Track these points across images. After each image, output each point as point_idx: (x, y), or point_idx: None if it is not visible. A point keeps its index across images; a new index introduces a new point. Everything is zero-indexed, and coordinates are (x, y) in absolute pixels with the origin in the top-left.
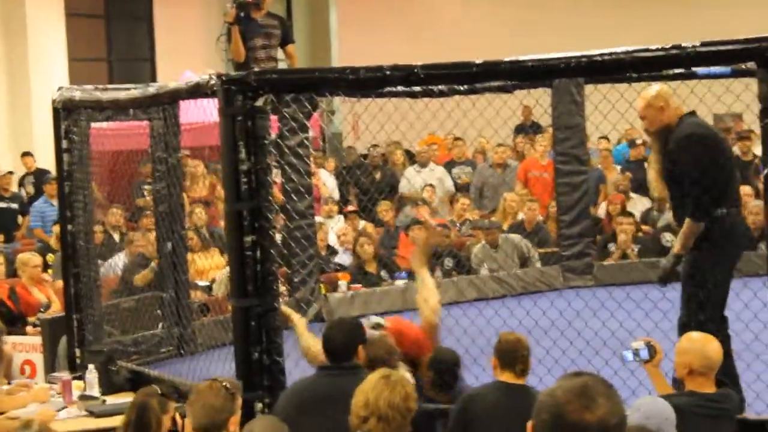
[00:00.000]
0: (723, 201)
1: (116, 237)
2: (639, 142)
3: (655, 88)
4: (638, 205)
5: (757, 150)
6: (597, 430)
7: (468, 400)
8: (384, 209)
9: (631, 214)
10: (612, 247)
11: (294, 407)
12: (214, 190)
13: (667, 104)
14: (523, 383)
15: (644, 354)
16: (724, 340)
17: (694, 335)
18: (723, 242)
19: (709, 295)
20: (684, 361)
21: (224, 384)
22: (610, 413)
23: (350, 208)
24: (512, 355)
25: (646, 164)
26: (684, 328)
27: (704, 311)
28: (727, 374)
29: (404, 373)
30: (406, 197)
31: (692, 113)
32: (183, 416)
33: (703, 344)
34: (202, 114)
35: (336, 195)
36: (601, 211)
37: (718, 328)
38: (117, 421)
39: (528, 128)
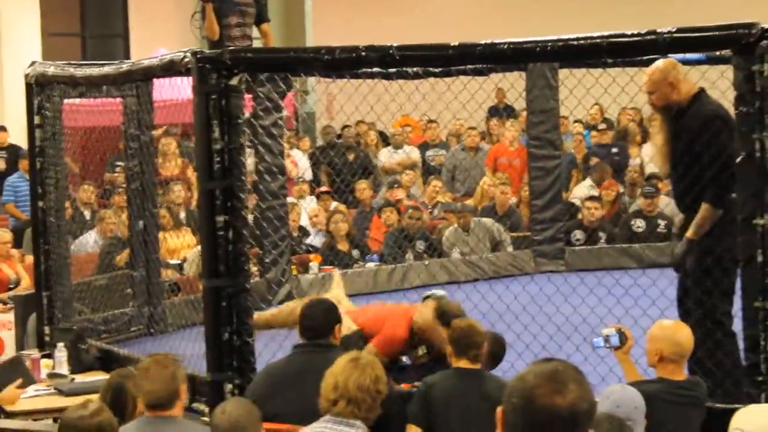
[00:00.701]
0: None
1: (87, 214)
2: (602, 127)
3: (664, 62)
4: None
5: None
6: (567, 415)
7: (427, 386)
8: (362, 188)
9: (598, 198)
10: (577, 234)
11: (268, 385)
12: (186, 170)
13: (677, 80)
14: (478, 368)
15: (615, 340)
16: (729, 335)
17: (666, 322)
18: (733, 228)
19: (717, 282)
20: (655, 348)
21: (166, 355)
22: (581, 398)
23: (323, 188)
24: (465, 341)
25: (614, 149)
26: (686, 314)
27: (712, 298)
28: (738, 366)
29: (372, 356)
30: (386, 169)
31: (703, 90)
32: None
33: (673, 331)
34: (174, 91)
35: (309, 175)
36: (577, 194)
37: (725, 317)
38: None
39: (501, 111)
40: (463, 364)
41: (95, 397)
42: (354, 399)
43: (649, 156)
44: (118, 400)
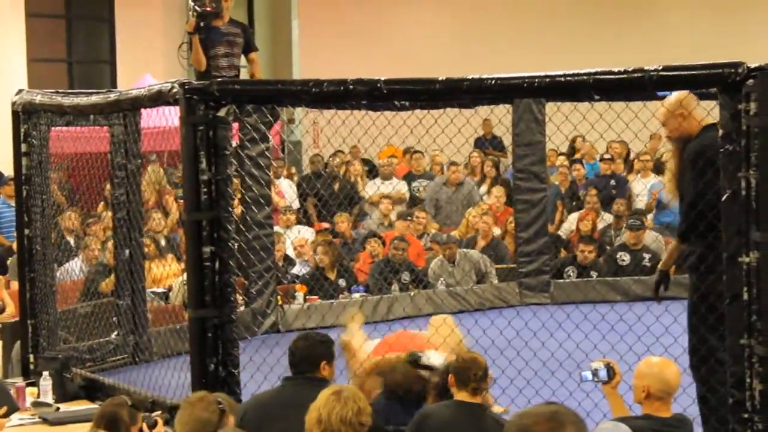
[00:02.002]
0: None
1: (72, 241)
2: (608, 157)
3: (677, 95)
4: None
5: None
6: None
7: (423, 416)
8: (341, 220)
9: (593, 240)
10: (570, 270)
11: (257, 415)
12: (161, 197)
13: (689, 112)
14: (478, 402)
15: (603, 375)
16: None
17: (653, 359)
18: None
19: (703, 319)
20: (642, 385)
21: (217, 399)
22: None
23: (324, 225)
24: (465, 374)
25: (612, 181)
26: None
27: (707, 301)
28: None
29: (356, 389)
30: (373, 201)
31: (713, 125)
32: (150, 427)
33: (661, 368)
34: (160, 119)
35: (296, 205)
36: (565, 228)
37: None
38: (71, 428)
39: (487, 142)
40: (463, 396)
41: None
42: None
43: (636, 190)
44: (113, 429)
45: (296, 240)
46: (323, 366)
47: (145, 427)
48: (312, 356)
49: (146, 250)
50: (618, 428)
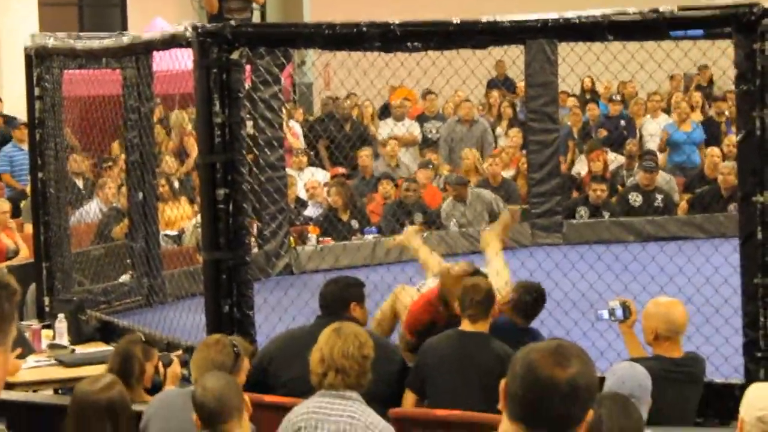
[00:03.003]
0: None
1: (80, 183)
2: (617, 98)
3: None
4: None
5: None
6: (565, 388)
7: (424, 350)
8: (364, 155)
9: (605, 179)
10: (582, 210)
11: (286, 348)
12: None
13: None
14: (481, 331)
15: (619, 314)
16: None
17: (661, 299)
18: None
19: None
20: (650, 326)
21: (233, 342)
22: (581, 374)
23: (340, 170)
24: (464, 300)
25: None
26: None
27: None
28: None
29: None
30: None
31: None
32: (165, 365)
33: (667, 308)
34: (173, 62)
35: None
36: (577, 168)
37: None
38: (86, 370)
39: (501, 83)
40: (465, 325)
41: (92, 369)
42: (342, 368)
43: (649, 131)
44: (126, 366)
45: (309, 182)
46: (353, 307)
47: (160, 365)
48: (342, 298)
49: (161, 190)
50: (634, 368)
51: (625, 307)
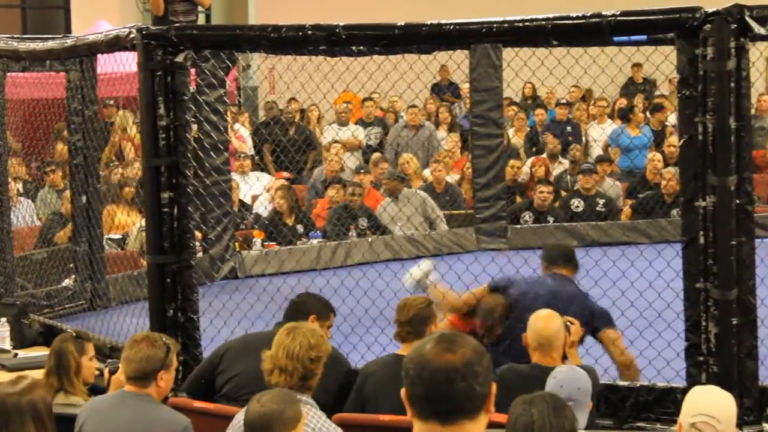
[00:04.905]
0: None
1: (18, 187)
2: (563, 102)
3: None
4: (558, 168)
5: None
6: (462, 367)
7: (364, 375)
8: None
9: (550, 183)
10: (526, 215)
11: (240, 349)
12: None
13: None
14: None
15: None
16: None
17: (540, 312)
18: None
19: None
20: (526, 336)
21: (161, 336)
22: (470, 352)
23: (285, 175)
24: (398, 321)
25: (569, 127)
26: None
27: None
28: None
29: (314, 327)
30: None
31: None
32: (111, 373)
33: (534, 321)
34: (116, 64)
35: (251, 151)
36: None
37: None
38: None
39: (445, 88)
40: (401, 349)
41: (35, 372)
42: (285, 368)
43: (593, 136)
44: (61, 363)
45: (269, 183)
46: (311, 319)
47: (106, 372)
48: (304, 309)
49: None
50: (573, 372)
51: (565, 325)
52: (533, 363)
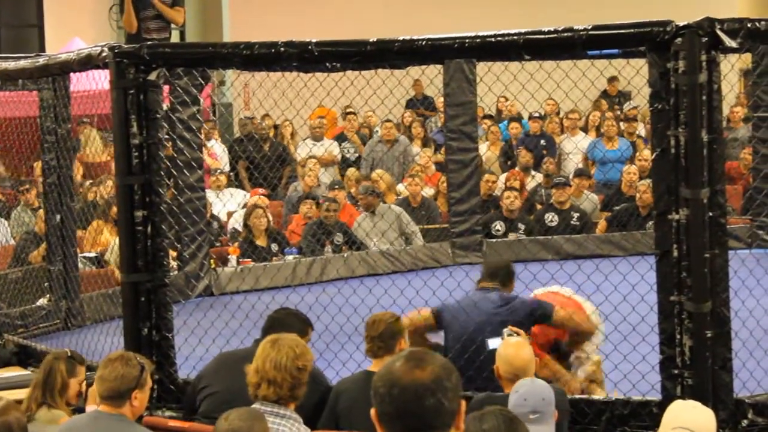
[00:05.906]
0: None
1: None
2: (536, 115)
3: None
4: (533, 182)
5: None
6: (431, 384)
7: (337, 393)
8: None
9: (515, 189)
10: (497, 225)
11: (221, 364)
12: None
13: None
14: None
15: None
16: None
17: (509, 340)
18: None
19: None
20: (496, 366)
21: (136, 356)
22: (439, 368)
23: (260, 191)
24: (368, 336)
25: (543, 141)
26: None
27: None
28: None
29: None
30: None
31: None
32: (88, 385)
33: (505, 349)
34: (90, 82)
35: (227, 167)
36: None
37: None
38: (3, 395)
39: (419, 103)
40: (373, 365)
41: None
42: (273, 379)
43: (567, 149)
44: (48, 379)
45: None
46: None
47: (84, 386)
48: (282, 325)
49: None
50: (535, 384)
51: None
52: (506, 394)
